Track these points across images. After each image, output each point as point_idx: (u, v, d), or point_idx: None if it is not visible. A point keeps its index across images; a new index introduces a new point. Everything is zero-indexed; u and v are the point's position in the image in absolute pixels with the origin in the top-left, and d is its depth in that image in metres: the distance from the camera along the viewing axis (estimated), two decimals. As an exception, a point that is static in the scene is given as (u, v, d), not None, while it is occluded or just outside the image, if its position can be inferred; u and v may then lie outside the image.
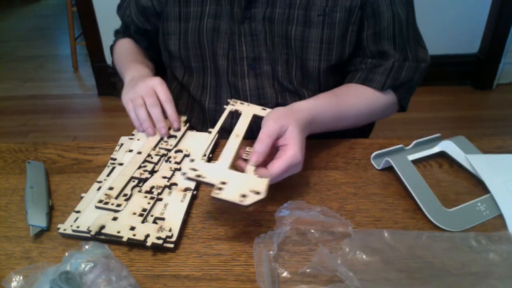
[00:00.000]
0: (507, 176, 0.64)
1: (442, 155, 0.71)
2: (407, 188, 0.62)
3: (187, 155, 0.69)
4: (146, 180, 0.63)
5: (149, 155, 0.68)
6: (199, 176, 0.55)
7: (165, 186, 0.62)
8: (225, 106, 0.72)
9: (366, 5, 0.73)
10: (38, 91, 2.63)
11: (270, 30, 0.76)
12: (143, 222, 0.56)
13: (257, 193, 0.53)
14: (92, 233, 0.54)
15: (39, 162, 0.71)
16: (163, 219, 0.58)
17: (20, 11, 4.12)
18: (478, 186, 0.65)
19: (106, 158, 0.72)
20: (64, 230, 0.57)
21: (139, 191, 0.61)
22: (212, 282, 0.51)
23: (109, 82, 2.43)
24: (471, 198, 0.62)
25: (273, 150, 0.61)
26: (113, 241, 0.55)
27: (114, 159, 0.70)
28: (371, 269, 0.51)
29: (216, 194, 0.53)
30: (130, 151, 0.71)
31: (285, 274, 0.51)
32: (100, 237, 0.55)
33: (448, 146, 0.71)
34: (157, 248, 0.55)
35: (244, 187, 0.54)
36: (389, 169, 0.68)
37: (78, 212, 0.60)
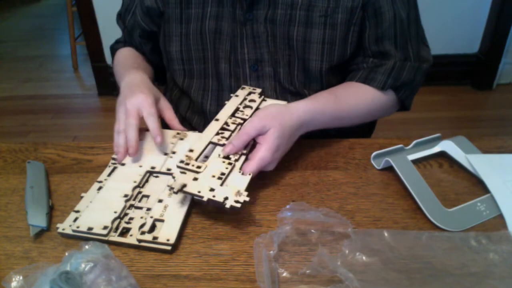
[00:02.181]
0: (507, 176, 0.64)
1: (442, 155, 0.71)
2: (407, 188, 0.62)
3: None
4: (223, 145, 0.65)
5: (226, 123, 0.69)
6: (185, 187, 0.58)
7: (241, 154, 0.63)
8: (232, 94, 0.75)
9: (367, 5, 0.73)
10: (38, 91, 2.62)
11: (272, 31, 0.76)
12: (221, 185, 0.58)
13: (239, 194, 0.57)
14: (175, 190, 0.57)
15: (39, 162, 0.71)
16: (162, 220, 0.58)
17: (20, 11, 4.12)
18: (478, 186, 0.65)
19: (106, 158, 0.72)
20: (63, 229, 0.57)
21: (218, 156, 0.63)
22: (212, 282, 0.51)
23: (109, 82, 2.43)
24: (471, 198, 0.62)
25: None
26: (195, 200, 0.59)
27: (115, 159, 0.70)
28: (371, 270, 0.51)
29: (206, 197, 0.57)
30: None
31: (285, 274, 0.51)
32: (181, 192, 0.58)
33: (448, 146, 0.71)
34: (155, 250, 0.55)
35: (228, 190, 0.58)
36: (389, 169, 0.68)
37: (77, 211, 0.59)
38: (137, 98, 0.70)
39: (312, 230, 0.56)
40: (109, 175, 0.66)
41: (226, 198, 0.56)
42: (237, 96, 0.74)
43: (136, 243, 0.55)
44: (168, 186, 0.62)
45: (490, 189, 0.63)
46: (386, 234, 0.55)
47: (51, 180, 0.68)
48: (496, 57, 2.36)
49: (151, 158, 0.69)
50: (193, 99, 0.85)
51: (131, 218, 0.58)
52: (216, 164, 0.62)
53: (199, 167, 0.60)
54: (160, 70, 0.92)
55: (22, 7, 4.20)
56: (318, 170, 0.69)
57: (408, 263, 0.52)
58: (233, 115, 0.71)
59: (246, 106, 0.73)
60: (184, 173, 0.60)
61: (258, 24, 0.76)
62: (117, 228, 0.57)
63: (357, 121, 0.79)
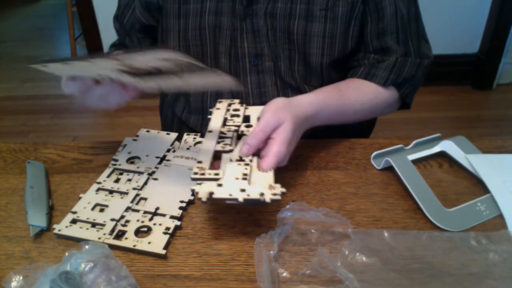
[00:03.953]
0: (507, 176, 0.64)
1: (442, 155, 0.71)
2: (407, 188, 0.62)
3: None
4: (231, 151, 0.62)
5: (221, 132, 0.67)
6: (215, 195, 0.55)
7: (255, 154, 0.61)
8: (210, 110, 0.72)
9: None
10: (38, 91, 2.62)
11: (272, 25, 0.76)
12: (249, 184, 0.55)
13: (272, 187, 0.55)
14: (203, 199, 0.53)
15: (39, 162, 0.71)
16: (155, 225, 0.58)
17: (20, 11, 4.12)
18: (478, 186, 0.65)
19: (106, 158, 0.72)
20: (59, 230, 0.57)
21: (230, 161, 0.60)
22: (212, 282, 0.51)
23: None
24: (471, 198, 0.62)
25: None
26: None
27: (116, 160, 0.69)
28: (371, 270, 0.51)
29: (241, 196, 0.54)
30: (129, 153, 0.71)
31: (285, 274, 0.51)
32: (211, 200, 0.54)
33: (448, 146, 0.71)
34: (149, 255, 0.55)
35: (259, 185, 0.55)
36: (389, 169, 0.68)
37: (74, 213, 0.59)
38: None
39: (312, 230, 0.56)
40: (108, 176, 0.66)
41: (262, 194, 0.54)
42: (218, 109, 0.72)
43: (131, 246, 0.55)
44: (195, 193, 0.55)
45: (490, 189, 0.63)
46: (386, 234, 0.55)
47: (51, 180, 0.68)
48: (496, 57, 2.37)
49: (149, 160, 0.69)
50: (191, 96, 0.85)
51: (127, 221, 0.58)
52: (232, 168, 0.59)
53: (217, 174, 0.57)
54: None
55: (22, 7, 4.20)
56: (318, 170, 0.69)
57: (408, 263, 0.52)
58: (224, 124, 0.69)
59: (233, 115, 0.71)
60: (200, 184, 0.56)
61: (258, 18, 0.76)
62: (112, 231, 0.57)
63: (361, 117, 0.79)
